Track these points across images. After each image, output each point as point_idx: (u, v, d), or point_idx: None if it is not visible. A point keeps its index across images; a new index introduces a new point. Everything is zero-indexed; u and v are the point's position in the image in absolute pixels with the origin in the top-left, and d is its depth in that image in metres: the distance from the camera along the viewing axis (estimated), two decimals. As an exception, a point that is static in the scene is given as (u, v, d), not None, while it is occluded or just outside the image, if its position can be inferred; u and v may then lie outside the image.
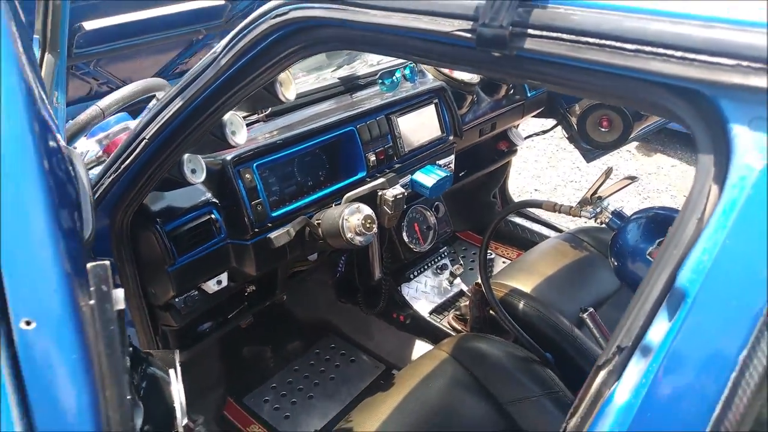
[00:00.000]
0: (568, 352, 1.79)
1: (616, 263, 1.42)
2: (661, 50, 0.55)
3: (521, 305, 1.86)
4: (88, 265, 0.50)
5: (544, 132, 2.57)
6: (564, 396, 1.60)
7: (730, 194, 0.52)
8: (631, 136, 2.22)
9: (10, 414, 0.44)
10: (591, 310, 1.57)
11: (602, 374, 0.62)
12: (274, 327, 2.23)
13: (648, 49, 0.55)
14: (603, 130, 2.24)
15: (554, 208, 1.51)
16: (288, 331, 2.26)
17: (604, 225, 1.47)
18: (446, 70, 1.88)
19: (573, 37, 0.60)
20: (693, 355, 0.53)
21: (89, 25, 2.28)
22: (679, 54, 0.54)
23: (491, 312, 1.93)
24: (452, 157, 1.90)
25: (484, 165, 2.44)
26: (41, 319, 0.46)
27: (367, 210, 1.43)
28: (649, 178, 3.82)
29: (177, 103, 1.06)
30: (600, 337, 1.56)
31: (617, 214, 1.45)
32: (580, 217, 1.48)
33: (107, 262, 0.50)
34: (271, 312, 2.17)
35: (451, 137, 1.87)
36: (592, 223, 3.13)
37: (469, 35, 0.68)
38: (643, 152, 4.19)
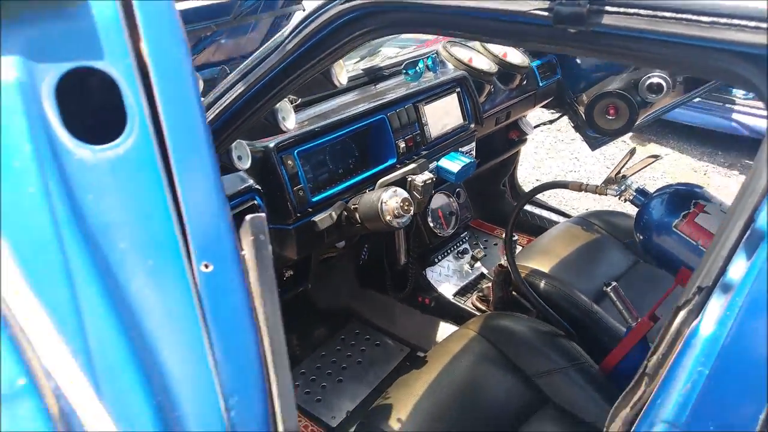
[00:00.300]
0: (589, 326, 1.87)
1: (641, 237, 1.50)
2: (735, 21, 0.62)
3: (542, 284, 1.94)
4: (247, 217, 0.56)
5: (552, 122, 2.66)
6: (590, 367, 1.67)
7: (803, 145, 0.59)
8: (637, 122, 2.32)
9: (203, 341, 0.49)
10: (614, 284, 1.64)
11: (682, 314, 0.68)
12: (299, 315, 2.28)
13: (723, 20, 0.62)
14: (610, 117, 2.34)
15: (580, 187, 1.59)
16: (313, 319, 2.31)
17: (628, 202, 1.55)
18: (466, 60, 1.95)
19: (650, 12, 0.67)
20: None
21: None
22: (753, 24, 0.61)
23: (513, 292, 2.01)
24: (473, 144, 1.97)
25: (497, 154, 2.52)
26: (216, 263, 0.51)
27: (404, 193, 1.49)
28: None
29: (239, 88, 1.11)
30: (623, 310, 1.64)
31: (641, 191, 1.53)
32: (606, 195, 1.56)
33: (263, 215, 0.56)
34: (295, 301, 2.22)
35: (473, 125, 1.94)
36: (599, 207, 3.21)
37: (546, 13, 0.74)
38: (638, 142, 4.31)
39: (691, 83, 2.29)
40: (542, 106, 2.54)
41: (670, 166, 4.03)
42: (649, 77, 2.23)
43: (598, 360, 1.70)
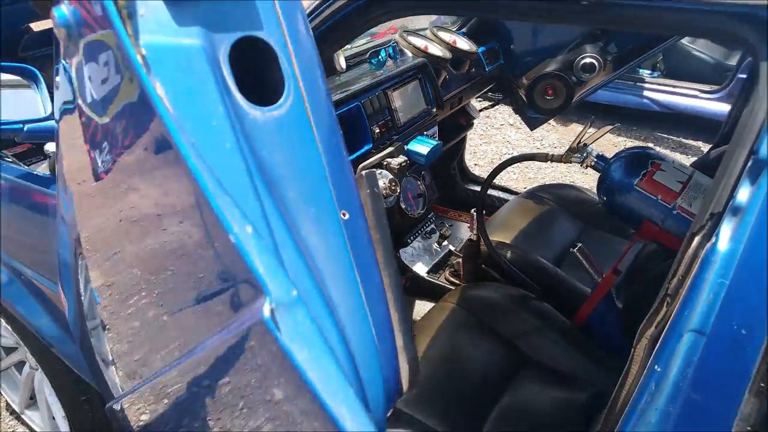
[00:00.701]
0: (556, 288, 2.03)
1: (605, 198, 1.65)
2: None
3: (508, 254, 2.08)
4: (363, 172, 0.62)
5: (494, 105, 2.82)
6: (562, 323, 1.82)
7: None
8: (574, 100, 2.52)
9: (357, 279, 0.56)
10: (580, 245, 1.80)
11: (697, 239, 0.81)
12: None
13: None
14: (549, 98, 2.52)
15: (546, 158, 1.73)
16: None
17: (590, 167, 1.71)
18: (422, 47, 2.05)
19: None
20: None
21: (37, 26, 2.24)
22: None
23: (483, 265, 2.14)
24: (436, 128, 2.08)
25: (449, 138, 2.63)
26: (351, 212, 0.58)
27: (389, 174, 1.57)
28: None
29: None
30: (589, 267, 1.80)
31: (600, 157, 1.69)
32: (570, 162, 1.71)
33: (375, 170, 0.63)
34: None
35: (434, 109, 2.05)
36: (546, 181, 3.40)
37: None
38: (561, 123, 4.61)
39: (618, 62, 2.51)
40: (484, 92, 2.68)
41: (594, 143, 4.34)
42: (582, 58, 2.43)
43: (567, 316, 1.85)
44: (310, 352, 0.39)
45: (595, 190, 2.60)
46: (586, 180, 3.60)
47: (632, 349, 0.91)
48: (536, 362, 1.71)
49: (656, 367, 0.82)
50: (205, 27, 0.46)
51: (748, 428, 0.76)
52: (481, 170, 3.86)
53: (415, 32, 2.14)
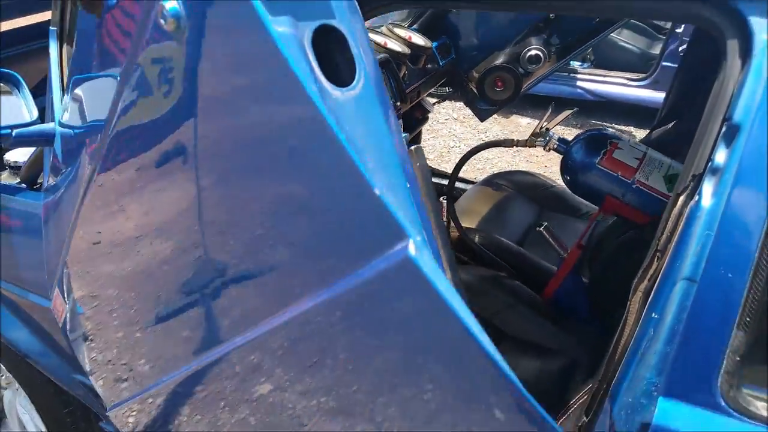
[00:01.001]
0: (523, 266, 2.14)
1: (569, 178, 1.77)
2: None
3: (476, 238, 2.18)
4: (413, 147, 0.68)
5: (445, 98, 2.92)
6: (534, 298, 1.94)
7: (758, 60, 0.84)
8: (522, 90, 2.66)
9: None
10: (546, 224, 1.91)
11: (682, 198, 0.91)
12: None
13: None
14: (498, 89, 2.65)
15: (512, 143, 1.84)
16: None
17: (552, 150, 1.82)
18: (381, 42, 2.12)
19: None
20: (754, 164, 0.84)
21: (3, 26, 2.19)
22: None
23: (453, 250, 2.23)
24: (401, 120, 2.15)
25: (408, 132, 2.71)
26: (411, 183, 0.64)
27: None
28: (513, 135, 4.41)
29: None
30: (555, 244, 1.92)
31: (562, 140, 1.81)
32: (534, 146, 1.82)
33: (422, 145, 0.69)
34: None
35: (399, 103, 2.12)
36: (494, 170, 3.53)
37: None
38: (502, 115, 4.79)
39: (561, 53, 2.67)
40: (438, 85, 2.78)
41: (554, 127, 4.55)
42: (528, 50, 2.57)
43: (536, 291, 1.97)
44: (443, 284, 0.45)
45: (545, 174, 2.76)
46: (531, 167, 3.78)
47: (627, 303, 1.01)
48: (512, 337, 1.80)
49: (653, 314, 0.92)
50: (292, 16, 0.51)
51: (738, 358, 0.88)
52: (431, 164, 3.97)
53: (372, 29, 2.20)
